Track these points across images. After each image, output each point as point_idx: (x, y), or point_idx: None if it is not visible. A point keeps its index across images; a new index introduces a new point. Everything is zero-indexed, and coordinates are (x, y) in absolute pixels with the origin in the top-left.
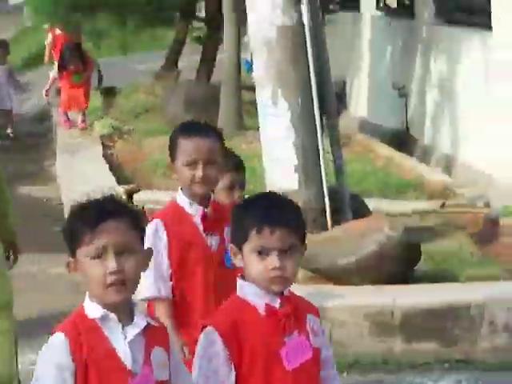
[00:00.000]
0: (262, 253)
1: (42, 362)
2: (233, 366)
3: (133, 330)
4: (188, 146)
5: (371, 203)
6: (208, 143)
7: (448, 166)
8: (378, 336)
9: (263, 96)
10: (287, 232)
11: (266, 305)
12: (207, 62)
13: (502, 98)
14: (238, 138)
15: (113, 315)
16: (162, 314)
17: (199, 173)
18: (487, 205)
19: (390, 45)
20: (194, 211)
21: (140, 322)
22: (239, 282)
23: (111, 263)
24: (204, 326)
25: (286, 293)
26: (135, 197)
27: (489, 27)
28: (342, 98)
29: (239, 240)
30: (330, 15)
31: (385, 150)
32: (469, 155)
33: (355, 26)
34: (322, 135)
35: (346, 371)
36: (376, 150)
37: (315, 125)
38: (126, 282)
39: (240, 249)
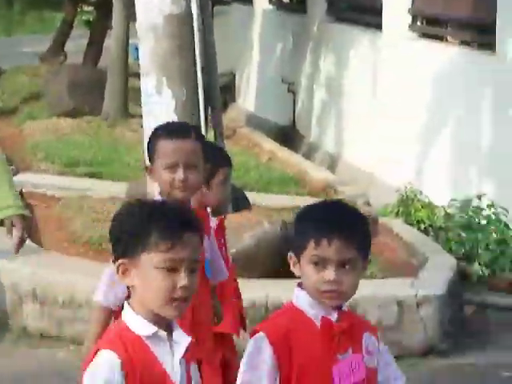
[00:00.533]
0: (319, 264)
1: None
2: (278, 378)
3: (179, 349)
4: (168, 148)
5: (253, 197)
6: (189, 145)
7: (332, 163)
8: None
9: (148, 84)
10: (346, 244)
11: (322, 317)
12: (95, 46)
13: (387, 98)
14: (122, 125)
15: (163, 333)
16: (96, 320)
17: (180, 176)
18: (367, 203)
19: (281, 39)
20: None
21: (184, 339)
22: (296, 290)
23: (183, 279)
24: (255, 331)
25: (344, 308)
26: (13, 179)
27: (379, 27)
28: (230, 91)
29: (298, 249)
30: (222, 6)
31: (270, 145)
32: (352, 154)
33: (247, 18)
34: (205, 126)
35: None
36: (261, 145)
37: (199, 116)
38: (188, 299)
39: (298, 258)
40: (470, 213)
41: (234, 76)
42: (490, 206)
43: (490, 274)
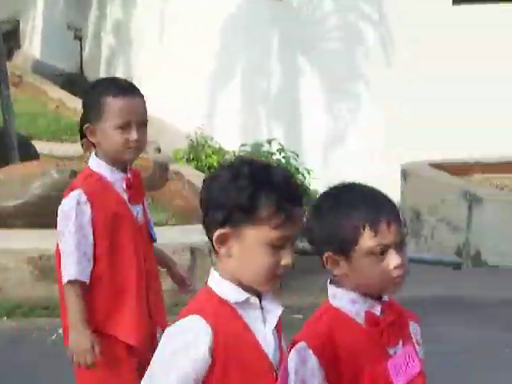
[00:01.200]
0: (379, 252)
1: (173, 349)
2: None
3: (273, 318)
4: (119, 107)
5: (41, 146)
6: (140, 102)
7: None
8: (40, 280)
9: None
10: (399, 222)
11: (367, 313)
12: None
13: (175, 45)
14: None
15: (255, 300)
16: (77, 296)
17: (133, 136)
18: (158, 150)
19: None
20: (115, 179)
21: (276, 308)
22: (331, 288)
23: (288, 256)
24: (294, 342)
25: (384, 297)
26: None
27: None
28: (15, 37)
29: (342, 245)
30: None
31: (58, 93)
32: None
33: None
34: None
35: (6, 316)
36: (48, 92)
37: None
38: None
39: (346, 255)
40: (261, 157)
41: (19, 22)
42: (280, 151)
43: None
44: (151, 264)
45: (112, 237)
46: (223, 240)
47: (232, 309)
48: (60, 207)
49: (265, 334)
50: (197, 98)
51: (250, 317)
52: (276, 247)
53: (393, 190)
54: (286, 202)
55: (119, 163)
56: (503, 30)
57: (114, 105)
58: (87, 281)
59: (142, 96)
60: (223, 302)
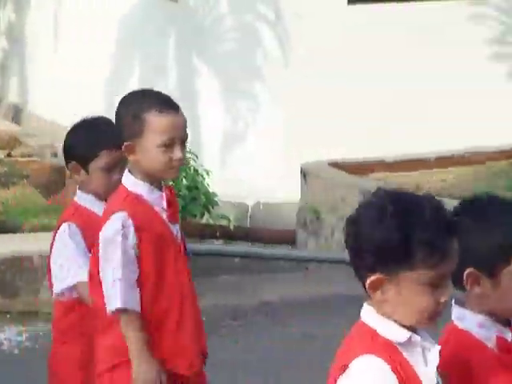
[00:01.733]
0: None
1: None
2: None
3: (433, 354)
4: (163, 123)
5: None
6: (183, 119)
7: (17, 114)
8: None
9: None
10: None
11: (498, 338)
12: None
13: (70, 47)
14: None
15: (417, 338)
16: (132, 329)
17: (177, 155)
18: (55, 154)
19: None
20: (153, 198)
21: (433, 346)
22: (457, 310)
23: (446, 293)
24: None
25: None
26: None
27: None
28: None
29: (492, 261)
30: None
31: None
32: (38, 104)
33: None
34: None
35: None
36: None
37: None
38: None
39: (493, 274)
40: None
41: None
42: None
43: (182, 221)
44: (191, 284)
45: (157, 260)
46: (377, 286)
47: (395, 348)
48: (102, 232)
49: (427, 374)
50: (94, 100)
51: (412, 357)
52: (434, 285)
53: (293, 190)
54: (439, 239)
55: (158, 181)
56: (396, 28)
57: (158, 121)
58: (138, 309)
59: (182, 112)
60: (387, 342)
